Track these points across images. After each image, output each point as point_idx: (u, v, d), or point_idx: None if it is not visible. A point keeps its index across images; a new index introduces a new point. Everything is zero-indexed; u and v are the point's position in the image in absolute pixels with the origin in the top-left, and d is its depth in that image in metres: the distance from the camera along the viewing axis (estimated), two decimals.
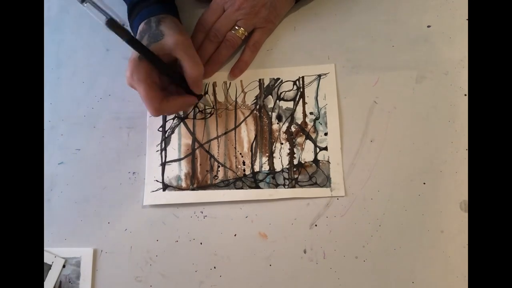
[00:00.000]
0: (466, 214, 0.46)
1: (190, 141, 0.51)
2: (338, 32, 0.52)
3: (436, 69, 0.50)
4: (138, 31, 0.46)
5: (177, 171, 0.50)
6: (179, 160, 0.51)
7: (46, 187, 0.52)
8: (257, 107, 0.51)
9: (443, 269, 0.45)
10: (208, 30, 0.51)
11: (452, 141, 0.48)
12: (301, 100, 0.51)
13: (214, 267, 0.47)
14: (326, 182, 0.48)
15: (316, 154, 0.49)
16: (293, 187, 0.48)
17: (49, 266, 0.49)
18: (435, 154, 0.47)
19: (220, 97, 0.52)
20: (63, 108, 0.55)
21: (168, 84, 0.47)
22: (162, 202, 0.49)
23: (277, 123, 0.50)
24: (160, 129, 0.52)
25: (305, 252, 0.47)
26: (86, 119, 0.54)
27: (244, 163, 0.50)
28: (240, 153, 0.50)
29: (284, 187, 0.48)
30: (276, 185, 0.48)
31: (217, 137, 0.51)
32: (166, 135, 0.52)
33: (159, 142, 0.51)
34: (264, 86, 0.52)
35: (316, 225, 0.47)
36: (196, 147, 0.51)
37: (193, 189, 0.49)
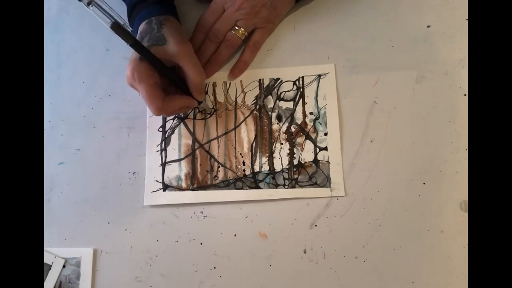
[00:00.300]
0: (466, 214, 0.46)
1: (190, 141, 0.51)
2: (338, 32, 0.52)
3: (436, 69, 0.50)
4: (139, 31, 0.46)
5: (177, 171, 0.50)
6: (179, 160, 0.51)
7: (46, 187, 0.52)
8: (257, 107, 0.51)
9: (443, 269, 0.45)
10: (208, 30, 0.51)
11: (452, 141, 0.48)
12: (301, 100, 0.51)
13: (214, 267, 0.47)
14: (326, 182, 0.48)
15: (316, 154, 0.49)
16: (293, 187, 0.48)
17: (49, 266, 0.49)
18: (435, 154, 0.47)
19: (220, 97, 0.52)
20: (63, 108, 0.55)
21: (168, 85, 0.47)
22: (162, 202, 0.49)
23: (277, 123, 0.50)
24: (160, 129, 0.52)
25: (305, 252, 0.47)
26: (86, 119, 0.54)
27: (244, 163, 0.50)
28: (240, 153, 0.50)
29: (284, 187, 0.48)
30: (276, 185, 0.48)
31: (217, 137, 0.51)
32: (166, 135, 0.52)
33: (159, 142, 0.51)
34: (264, 86, 0.52)
35: (316, 225, 0.47)
36: (196, 147, 0.51)
37: (193, 189, 0.49)
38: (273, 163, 0.49)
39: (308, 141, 0.49)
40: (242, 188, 0.49)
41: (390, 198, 0.47)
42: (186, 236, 0.48)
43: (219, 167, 0.50)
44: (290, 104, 0.51)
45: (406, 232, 0.46)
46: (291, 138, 0.50)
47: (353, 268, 0.46)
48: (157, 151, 0.51)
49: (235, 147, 0.50)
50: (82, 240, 0.50)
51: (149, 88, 0.43)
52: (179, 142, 0.51)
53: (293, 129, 0.50)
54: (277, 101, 0.51)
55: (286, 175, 0.49)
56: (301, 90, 0.51)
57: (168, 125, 0.52)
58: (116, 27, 0.39)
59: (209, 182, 0.49)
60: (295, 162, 0.49)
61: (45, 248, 0.49)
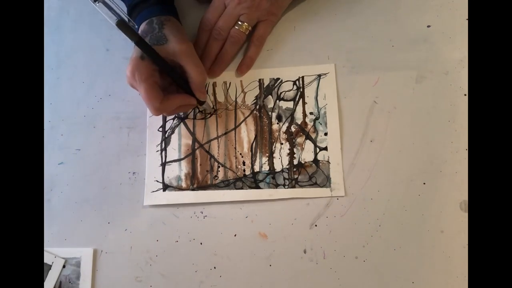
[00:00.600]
0: (466, 214, 0.46)
1: (190, 141, 0.51)
2: (338, 32, 0.52)
3: (436, 69, 0.50)
4: (140, 31, 0.47)
5: (177, 171, 0.50)
6: (179, 160, 0.51)
7: (46, 187, 0.52)
8: (257, 107, 0.51)
9: (443, 269, 0.45)
10: (212, 29, 0.51)
11: (452, 141, 0.48)
12: (301, 100, 0.51)
13: (214, 267, 0.47)
14: (326, 182, 0.48)
15: (316, 154, 0.49)
16: (293, 187, 0.48)
17: (49, 266, 0.49)
18: (435, 154, 0.47)
19: (220, 97, 0.52)
20: (63, 108, 0.54)
21: (169, 85, 0.47)
22: (162, 202, 0.49)
23: (277, 123, 0.50)
24: (160, 129, 0.52)
25: (305, 252, 0.47)
26: (86, 119, 0.54)
27: (244, 163, 0.50)
28: (240, 153, 0.50)
29: (284, 187, 0.48)
30: (276, 185, 0.48)
31: (217, 137, 0.51)
32: (166, 135, 0.52)
33: (159, 142, 0.51)
34: (264, 86, 0.52)
35: (316, 225, 0.47)
36: (196, 147, 0.51)
37: (193, 189, 0.49)
38: (273, 163, 0.49)
39: (308, 141, 0.49)
40: (242, 188, 0.49)
41: (390, 198, 0.47)
42: (186, 236, 0.48)
43: (219, 167, 0.50)
44: (290, 104, 0.51)
45: (406, 232, 0.46)
46: (291, 138, 0.50)
47: (353, 268, 0.46)
48: (157, 151, 0.51)
49: (235, 147, 0.50)
50: (82, 240, 0.50)
51: (148, 88, 0.43)
52: (179, 142, 0.51)
53: (293, 129, 0.50)
54: (277, 101, 0.51)
55: (286, 175, 0.49)
56: (301, 90, 0.51)
57: (168, 125, 0.52)
58: (122, 25, 0.39)
59: (209, 182, 0.49)
60: (295, 162, 0.49)
61: (45, 248, 0.49)
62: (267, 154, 0.50)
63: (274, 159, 0.49)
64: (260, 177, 0.49)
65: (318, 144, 0.49)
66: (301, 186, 0.48)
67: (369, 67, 0.51)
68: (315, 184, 0.48)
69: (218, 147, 0.50)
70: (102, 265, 0.49)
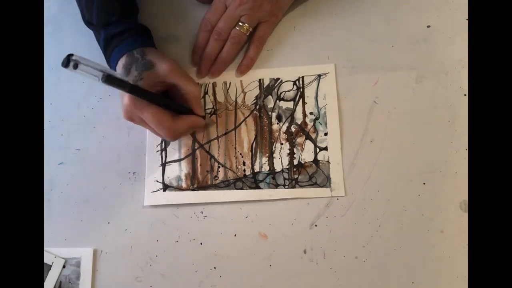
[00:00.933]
0: (466, 214, 0.46)
1: (190, 142, 0.51)
2: (338, 32, 0.52)
3: (436, 69, 0.50)
4: (121, 65, 0.45)
5: (178, 171, 0.50)
6: (179, 160, 0.51)
7: (46, 187, 0.52)
8: (257, 107, 0.51)
9: (443, 269, 0.45)
10: (212, 30, 0.51)
11: (452, 141, 0.48)
12: (301, 100, 0.51)
13: (214, 267, 0.47)
14: (326, 182, 0.48)
15: (316, 154, 0.49)
16: (293, 187, 0.48)
17: (49, 266, 0.49)
18: (435, 154, 0.47)
19: (220, 97, 0.52)
20: (63, 108, 0.54)
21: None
22: (162, 202, 0.49)
23: (277, 123, 0.50)
24: None
25: (305, 252, 0.47)
26: (86, 119, 0.54)
27: (244, 163, 0.50)
28: (240, 154, 0.50)
29: (284, 187, 0.48)
30: (276, 185, 0.48)
31: (217, 138, 0.51)
32: None
33: (159, 142, 0.51)
34: (264, 86, 0.52)
35: (316, 225, 0.47)
36: (196, 147, 0.51)
37: (193, 190, 0.49)
38: (273, 163, 0.49)
39: (308, 141, 0.49)
40: (242, 188, 0.49)
41: (390, 198, 0.47)
42: (186, 236, 0.48)
43: (219, 167, 0.50)
44: (290, 104, 0.51)
45: (406, 232, 0.46)
46: (291, 138, 0.50)
47: (353, 268, 0.46)
48: (157, 151, 0.51)
49: (235, 147, 0.50)
50: (82, 240, 0.50)
51: (155, 111, 0.43)
52: (179, 142, 0.51)
53: (293, 129, 0.50)
54: (277, 101, 0.51)
55: (286, 175, 0.49)
56: (301, 90, 0.51)
57: None
58: (109, 79, 0.38)
59: (209, 182, 0.49)
60: (295, 162, 0.49)
61: (45, 248, 0.49)
62: (267, 154, 0.50)
63: (274, 159, 0.49)
64: (260, 177, 0.49)
65: (318, 144, 0.49)
66: (301, 186, 0.48)
67: (369, 67, 0.51)
68: (315, 184, 0.48)
69: (218, 147, 0.50)
70: (102, 265, 0.49)
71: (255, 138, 0.50)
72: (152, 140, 0.52)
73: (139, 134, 0.52)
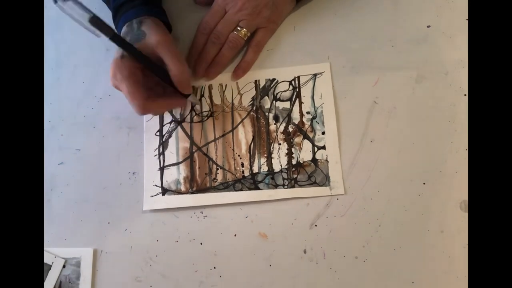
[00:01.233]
0: (466, 214, 0.46)
1: (188, 145, 0.51)
2: (338, 32, 0.52)
3: (436, 69, 0.50)
4: (121, 34, 0.46)
5: (176, 175, 0.50)
6: (177, 164, 0.51)
7: (46, 187, 0.52)
8: (254, 108, 0.51)
9: (443, 269, 0.45)
10: (210, 32, 0.51)
11: (452, 141, 0.48)
12: (297, 100, 0.51)
13: (214, 267, 0.47)
14: (326, 181, 0.48)
15: (314, 153, 0.49)
16: (293, 187, 0.48)
17: (49, 266, 0.49)
18: (435, 154, 0.47)
19: (217, 100, 0.52)
20: (63, 108, 0.54)
21: (154, 84, 0.46)
22: (161, 206, 0.49)
23: (274, 124, 0.50)
24: (158, 133, 0.52)
25: (305, 252, 0.47)
26: (86, 119, 0.54)
27: (242, 164, 0.50)
28: (239, 155, 0.50)
29: (284, 187, 0.48)
30: (276, 186, 0.48)
31: (214, 140, 0.51)
32: (163, 139, 0.51)
33: (157, 146, 0.51)
34: (260, 87, 0.52)
35: (316, 225, 0.47)
36: (194, 150, 0.51)
37: (192, 193, 0.49)
38: (271, 163, 0.49)
39: (306, 141, 0.49)
40: (241, 190, 0.49)
41: (390, 198, 0.47)
42: (186, 236, 0.48)
43: (217, 169, 0.50)
44: (286, 104, 0.51)
45: (406, 232, 0.46)
46: (289, 138, 0.50)
47: (353, 268, 0.46)
48: (155, 155, 0.51)
49: (233, 149, 0.50)
50: (82, 240, 0.50)
51: (130, 86, 0.42)
52: (177, 146, 0.51)
53: (290, 129, 0.50)
54: (274, 101, 0.51)
55: (285, 175, 0.49)
56: (297, 90, 0.51)
57: (165, 129, 0.52)
58: (95, 21, 0.38)
59: (208, 185, 0.49)
60: (294, 162, 0.49)
61: (45, 248, 0.49)
62: (265, 155, 0.50)
63: (272, 159, 0.49)
64: (259, 178, 0.49)
65: (316, 143, 0.49)
66: (301, 186, 0.48)
67: (369, 67, 0.51)
68: (314, 183, 0.48)
69: (216, 149, 0.50)
70: (102, 265, 0.49)
71: (253, 139, 0.50)
72: (150, 144, 0.51)
73: (139, 134, 0.52)
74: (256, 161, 0.49)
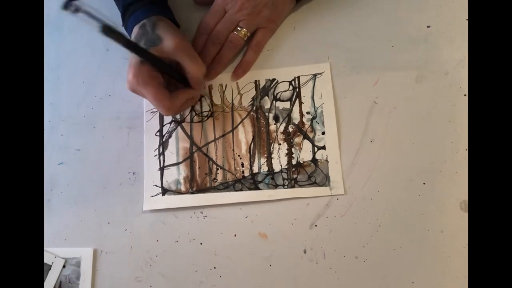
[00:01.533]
0: (466, 214, 0.45)
1: (188, 145, 0.51)
2: (338, 32, 0.52)
3: (436, 69, 0.50)
4: (133, 35, 0.46)
5: (176, 175, 0.50)
6: (177, 164, 0.51)
7: (46, 187, 0.52)
8: (254, 108, 0.51)
9: (443, 269, 0.45)
10: (210, 33, 0.51)
11: (452, 141, 0.48)
12: (297, 100, 0.51)
13: (214, 267, 0.47)
14: (326, 181, 0.48)
15: (314, 153, 0.49)
16: (293, 187, 0.48)
17: (49, 266, 0.49)
18: (435, 154, 0.47)
19: (217, 100, 0.52)
20: (63, 108, 0.55)
21: (168, 84, 0.47)
22: (161, 206, 0.49)
23: (274, 124, 0.50)
24: (158, 133, 0.52)
25: (305, 252, 0.47)
26: (86, 119, 0.54)
27: (242, 165, 0.50)
28: (239, 155, 0.50)
29: (284, 187, 0.48)
30: (276, 186, 0.48)
31: (214, 140, 0.51)
32: (163, 140, 0.51)
33: (157, 146, 0.51)
34: (260, 87, 0.52)
35: (316, 225, 0.47)
36: (194, 150, 0.51)
37: (192, 193, 0.49)
38: (271, 163, 0.49)
39: (306, 141, 0.49)
40: (241, 190, 0.49)
41: (390, 198, 0.47)
42: (186, 236, 0.48)
43: (217, 169, 0.50)
44: (286, 104, 0.51)
45: (406, 232, 0.46)
46: (289, 138, 0.50)
47: (353, 268, 0.46)
48: (155, 155, 0.51)
49: (233, 149, 0.50)
50: (82, 240, 0.50)
51: (155, 90, 0.43)
52: (177, 146, 0.51)
53: (290, 129, 0.50)
54: (274, 101, 0.51)
55: (285, 175, 0.49)
56: (297, 90, 0.51)
57: (165, 129, 0.52)
58: (107, 30, 0.38)
59: (208, 185, 0.49)
60: (294, 162, 0.49)
61: (45, 248, 0.49)
62: (265, 155, 0.50)
63: (272, 159, 0.49)
64: (259, 178, 0.49)
65: (316, 143, 0.49)
66: (301, 186, 0.48)
67: (369, 67, 0.51)
68: (314, 183, 0.48)
69: (216, 149, 0.50)
70: (102, 265, 0.49)
71: (253, 139, 0.50)
72: (150, 144, 0.51)
73: (139, 134, 0.52)
74: (256, 161, 0.49)
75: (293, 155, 0.49)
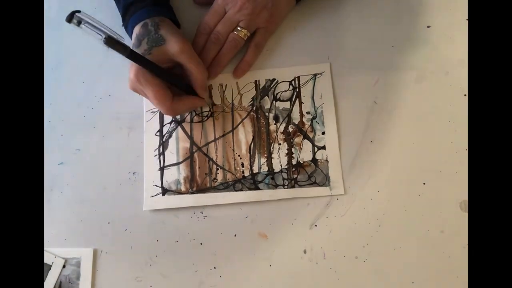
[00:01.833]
0: (466, 214, 0.46)
1: (188, 145, 0.51)
2: (338, 32, 0.52)
3: (436, 69, 0.50)
4: (135, 34, 0.46)
5: (176, 175, 0.50)
6: (177, 164, 0.51)
7: (46, 187, 0.52)
8: (254, 108, 0.51)
9: (443, 269, 0.45)
10: (210, 33, 0.51)
11: (452, 141, 0.48)
12: (297, 100, 0.51)
13: (214, 267, 0.47)
14: (326, 181, 0.48)
15: (314, 153, 0.49)
16: (293, 187, 0.48)
17: (49, 266, 0.49)
18: (435, 154, 0.47)
19: (217, 100, 0.52)
20: (63, 108, 0.54)
21: (169, 86, 0.47)
22: (162, 206, 0.49)
23: (275, 124, 0.50)
24: (158, 133, 0.52)
25: (305, 252, 0.47)
26: (86, 119, 0.54)
27: (242, 164, 0.50)
28: (239, 155, 0.50)
29: (284, 187, 0.48)
30: (276, 186, 0.48)
31: (214, 140, 0.51)
32: (163, 140, 0.51)
33: (157, 146, 0.51)
34: (260, 87, 0.52)
35: (316, 225, 0.47)
36: (194, 150, 0.51)
37: (192, 193, 0.49)
38: (271, 163, 0.49)
39: (306, 141, 0.49)
40: (241, 190, 0.49)
41: (390, 198, 0.47)
42: (186, 236, 0.48)
43: (217, 169, 0.50)
44: (287, 104, 0.51)
45: (406, 232, 0.46)
46: (289, 138, 0.50)
47: (353, 268, 0.46)
48: (155, 155, 0.51)
49: (233, 149, 0.50)
50: (82, 240, 0.50)
51: (157, 89, 0.43)
52: (177, 146, 0.51)
53: (290, 129, 0.50)
54: (274, 101, 0.51)
55: (285, 175, 0.49)
56: (297, 90, 0.51)
57: (165, 129, 0.52)
58: (110, 41, 0.38)
59: (208, 185, 0.49)
60: (294, 162, 0.49)
61: (45, 248, 0.49)
62: (265, 155, 0.50)
63: (272, 159, 0.49)
64: (259, 178, 0.49)
65: (316, 143, 0.49)
66: (301, 186, 0.48)
67: (369, 67, 0.51)
68: (314, 183, 0.48)
69: (216, 149, 0.50)
70: (102, 265, 0.49)
71: (253, 139, 0.50)
72: (150, 145, 0.51)
73: (139, 134, 0.52)
74: (256, 161, 0.49)
75: (293, 155, 0.49)
